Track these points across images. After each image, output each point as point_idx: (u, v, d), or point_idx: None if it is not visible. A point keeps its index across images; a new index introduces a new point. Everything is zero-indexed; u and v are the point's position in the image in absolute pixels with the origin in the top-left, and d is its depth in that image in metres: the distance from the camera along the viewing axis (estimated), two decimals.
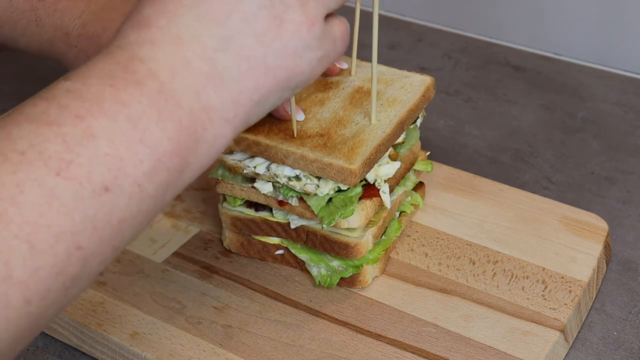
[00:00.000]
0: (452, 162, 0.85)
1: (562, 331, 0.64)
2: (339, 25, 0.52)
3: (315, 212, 0.64)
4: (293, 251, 0.69)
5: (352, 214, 0.64)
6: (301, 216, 0.67)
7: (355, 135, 0.64)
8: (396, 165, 0.68)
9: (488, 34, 1.06)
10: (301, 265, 0.70)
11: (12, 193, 0.39)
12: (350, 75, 0.71)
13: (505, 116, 0.93)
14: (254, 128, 0.64)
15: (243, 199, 0.69)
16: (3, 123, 0.41)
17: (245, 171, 0.66)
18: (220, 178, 0.68)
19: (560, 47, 1.02)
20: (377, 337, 0.64)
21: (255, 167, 0.65)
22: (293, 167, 0.64)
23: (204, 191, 0.79)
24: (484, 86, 0.98)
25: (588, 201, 0.81)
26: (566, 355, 0.66)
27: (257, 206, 0.69)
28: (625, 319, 0.69)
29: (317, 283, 0.68)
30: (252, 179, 0.67)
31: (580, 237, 0.72)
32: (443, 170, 0.79)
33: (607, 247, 0.72)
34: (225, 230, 0.72)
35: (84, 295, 0.68)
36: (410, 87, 0.70)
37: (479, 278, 0.69)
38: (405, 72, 0.71)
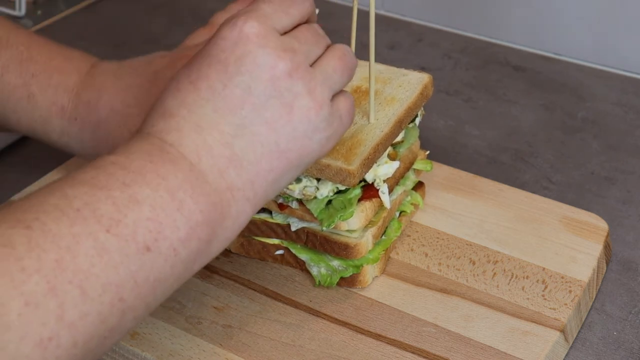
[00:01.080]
0: (452, 162, 0.84)
1: (562, 331, 0.64)
2: (344, 102, 0.55)
3: (315, 215, 0.64)
4: (293, 251, 0.69)
5: (352, 216, 0.64)
6: (301, 219, 0.67)
7: (353, 135, 0.64)
8: (395, 165, 0.68)
9: (488, 34, 1.06)
10: (301, 265, 0.70)
11: (68, 243, 0.43)
12: None
13: (505, 116, 0.93)
14: None
15: None
16: (57, 186, 0.46)
17: None
18: None
19: (560, 47, 1.02)
20: (377, 337, 0.64)
21: None
22: None
23: None
24: (484, 86, 0.98)
25: (588, 201, 0.81)
26: (566, 355, 0.66)
27: None
28: (625, 319, 0.69)
29: (317, 283, 0.68)
30: None
31: (580, 237, 0.72)
32: (443, 170, 0.79)
33: (607, 247, 0.72)
34: None
35: None
36: (408, 85, 0.69)
37: (479, 278, 0.69)
38: (403, 70, 0.71)
